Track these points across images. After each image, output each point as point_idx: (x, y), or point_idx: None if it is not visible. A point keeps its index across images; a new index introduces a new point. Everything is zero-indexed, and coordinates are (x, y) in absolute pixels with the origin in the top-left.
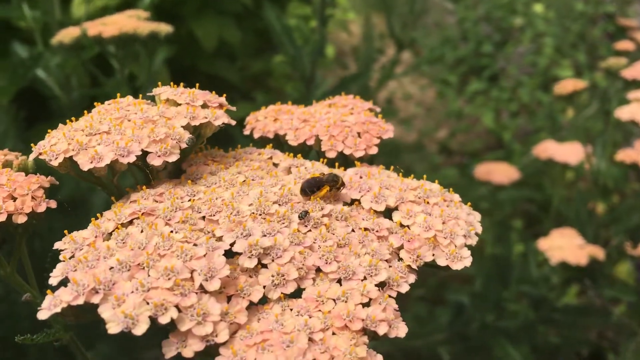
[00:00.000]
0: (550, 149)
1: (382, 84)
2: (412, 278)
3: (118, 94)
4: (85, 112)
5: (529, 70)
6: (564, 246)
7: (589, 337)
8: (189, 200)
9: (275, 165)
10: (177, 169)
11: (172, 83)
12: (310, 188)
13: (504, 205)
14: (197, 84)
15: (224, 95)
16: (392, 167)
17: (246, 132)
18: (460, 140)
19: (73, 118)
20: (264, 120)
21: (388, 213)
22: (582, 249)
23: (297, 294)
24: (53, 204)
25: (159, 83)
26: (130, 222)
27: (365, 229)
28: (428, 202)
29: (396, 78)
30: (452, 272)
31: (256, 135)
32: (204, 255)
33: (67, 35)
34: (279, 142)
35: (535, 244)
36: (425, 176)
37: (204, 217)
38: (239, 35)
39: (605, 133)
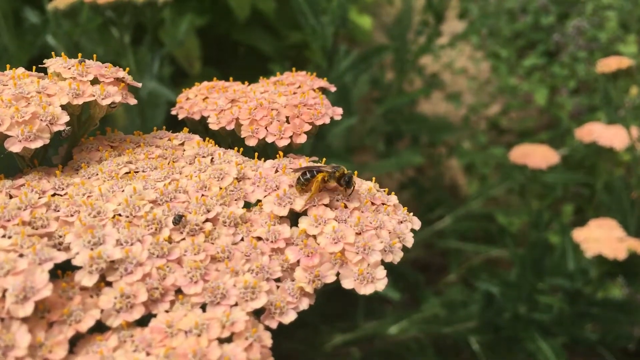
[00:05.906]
0: (595, 132)
1: (418, 57)
2: (305, 303)
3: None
4: None
5: (588, 45)
6: (602, 238)
7: (631, 333)
8: (52, 195)
9: None
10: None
11: (62, 54)
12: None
13: (554, 188)
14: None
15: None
16: (323, 160)
17: (173, 112)
18: (512, 117)
19: None
20: (193, 98)
21: (296, 219)
22: (621, 242)
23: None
24: None
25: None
26: None
27: (259, 239)
28: (346, 206)
29: (438, 50)
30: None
31: (180, 116)
32: (24, 270)
33: (62, 1)
34: (206, 125)
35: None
36: (356, 172)
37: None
38: (273, 4)
39: None
